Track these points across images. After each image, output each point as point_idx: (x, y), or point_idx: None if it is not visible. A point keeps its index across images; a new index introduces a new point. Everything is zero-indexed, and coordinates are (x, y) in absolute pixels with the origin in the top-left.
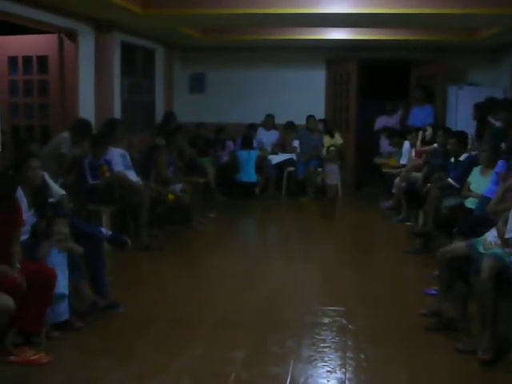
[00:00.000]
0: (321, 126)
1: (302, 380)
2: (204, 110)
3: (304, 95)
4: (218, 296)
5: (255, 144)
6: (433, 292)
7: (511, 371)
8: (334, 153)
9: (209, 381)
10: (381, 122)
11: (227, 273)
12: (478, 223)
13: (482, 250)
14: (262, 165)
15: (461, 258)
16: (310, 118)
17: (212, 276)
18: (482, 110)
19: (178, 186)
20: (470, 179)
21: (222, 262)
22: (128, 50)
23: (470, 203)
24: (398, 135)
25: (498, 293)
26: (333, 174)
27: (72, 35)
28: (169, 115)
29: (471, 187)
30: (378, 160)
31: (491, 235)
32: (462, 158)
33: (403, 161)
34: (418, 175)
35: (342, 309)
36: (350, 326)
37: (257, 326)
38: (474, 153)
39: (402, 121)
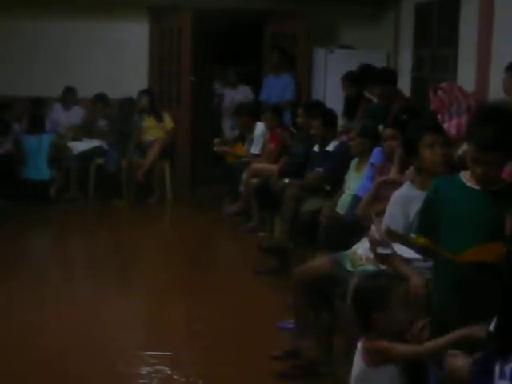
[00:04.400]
0: (145, 101)
1: None
2: None
3: (119, 58)
4: None
5: (48, 126)
6: (288, 326)
7: None
8: None
9: None
10: (224, 96)
11: (6, 310)
12: (347, 232)
13: (349, 267)
14: (58, 155)
15: (323, 279)
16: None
17: None
18: (357, 82)
19: None
20: (346, 176)
21: None
22: None
23: (341, 207)
24: (247, 114)
25: None
26: None
27: None
28: None
29: (346, 187)
30: (219, 148)
31: (362, 247)
32: (330, 146)
33: (255, 149)
34: (274, 168)
35: (168, 354)
36: (176, 377)
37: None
38: (344, 138)
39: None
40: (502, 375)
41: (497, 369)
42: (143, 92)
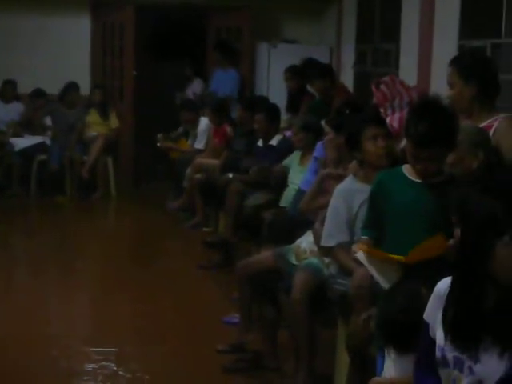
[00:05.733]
0: (98, 95)
1: None
2: None
3: (61, 54)
4: None
5: None
6: (234, 320)
7: None
8: None
9: None
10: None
11: None
12: (291, 225)
13: (293, 260)
14: None
15: (267, 273)
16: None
17: None
18: (300, 75)
19: None
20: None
21: None
22: None
23: (285, 201)
24: (191, 109)
25: (314, 317)
26: None
27: None
28: None
29: (289, 181)
30: (162, 143)
31: (306, 241)
32: (273, 140)
33: (198, 145)
34: (218, 163)
35: (113, 349)
36: (121, 373)
37: None
38: (288, 134)
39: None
40: (446, 364)
41: (438, 354)
42: (96, 87)
